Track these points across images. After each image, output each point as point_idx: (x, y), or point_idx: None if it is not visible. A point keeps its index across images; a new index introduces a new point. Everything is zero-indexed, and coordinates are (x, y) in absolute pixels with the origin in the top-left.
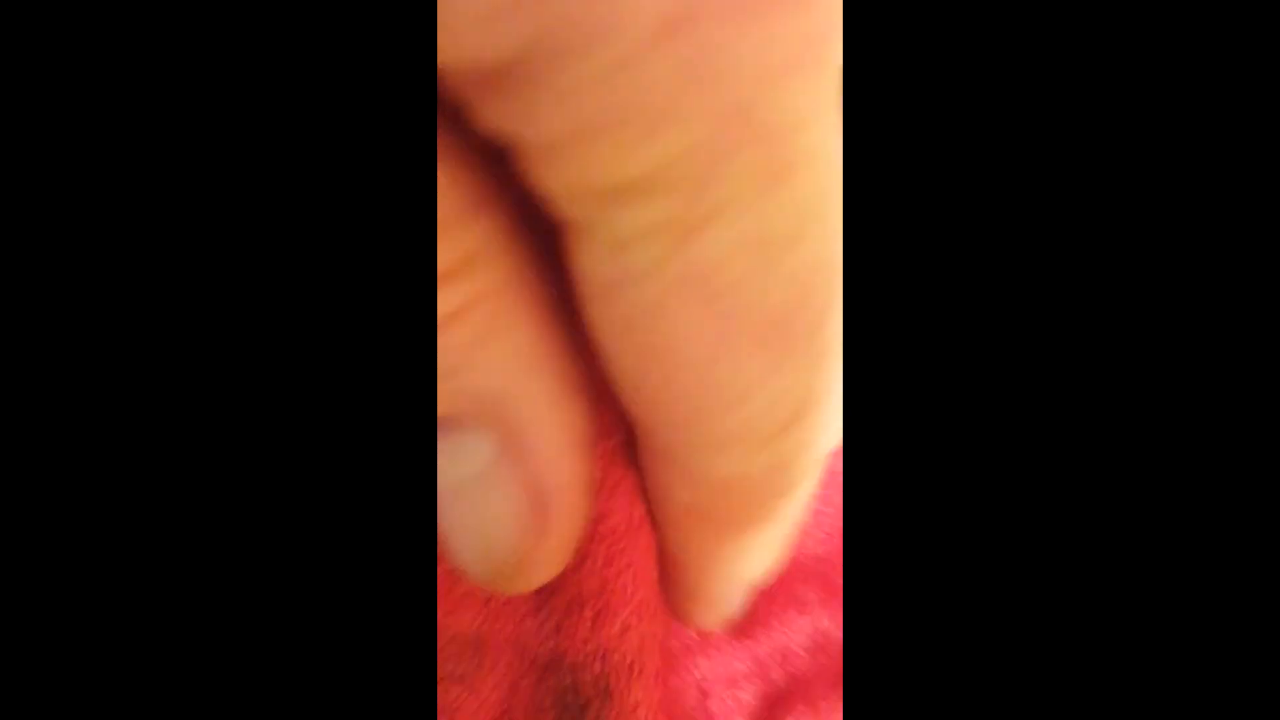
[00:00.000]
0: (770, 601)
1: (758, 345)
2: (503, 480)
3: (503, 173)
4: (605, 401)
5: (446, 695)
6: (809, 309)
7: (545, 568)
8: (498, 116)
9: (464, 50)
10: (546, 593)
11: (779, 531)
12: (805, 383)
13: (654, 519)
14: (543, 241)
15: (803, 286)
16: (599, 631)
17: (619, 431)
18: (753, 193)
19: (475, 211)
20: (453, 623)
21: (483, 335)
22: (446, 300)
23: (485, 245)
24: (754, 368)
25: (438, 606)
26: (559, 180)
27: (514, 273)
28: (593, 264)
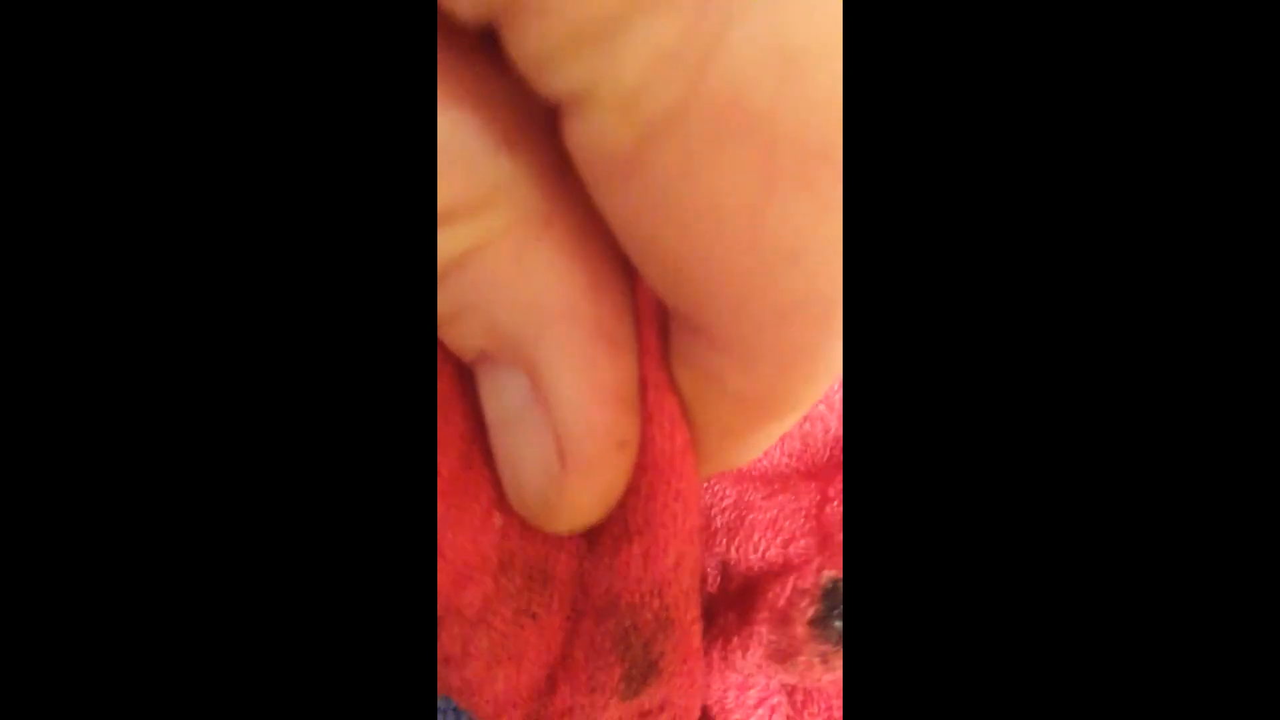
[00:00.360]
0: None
1: (803, 185)
2: (531, 422)
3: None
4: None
5: (521, 634)
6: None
7: (579, 514)
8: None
9: None
10: (595, 530)
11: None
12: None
13: (693, 422)
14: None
15: (838, 112)
16: (652, 568)
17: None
18: None
19: (498, 148)
20: (524, 553)
21: (504, 275)
22: (462, 237)
23: (507, 183)
24: (803, 212)
25: (507, 539)
26: (545, 38)
27: (541, 212)
28: (604, 136)
